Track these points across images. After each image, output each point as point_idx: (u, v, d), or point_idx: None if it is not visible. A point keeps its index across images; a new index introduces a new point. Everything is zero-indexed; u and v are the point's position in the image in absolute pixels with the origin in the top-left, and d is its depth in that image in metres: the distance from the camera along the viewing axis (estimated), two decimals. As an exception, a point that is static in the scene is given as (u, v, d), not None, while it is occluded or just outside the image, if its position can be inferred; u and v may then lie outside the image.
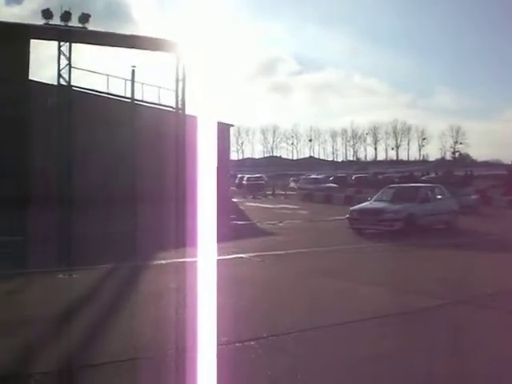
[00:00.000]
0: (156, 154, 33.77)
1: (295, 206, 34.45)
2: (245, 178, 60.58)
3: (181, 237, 14.41)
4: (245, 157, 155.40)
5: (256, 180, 59.70)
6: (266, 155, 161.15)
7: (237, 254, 14.85)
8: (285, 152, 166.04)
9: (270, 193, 52.26)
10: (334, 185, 52.17)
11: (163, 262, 13.33)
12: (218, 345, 6.64)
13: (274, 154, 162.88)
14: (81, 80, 36.83)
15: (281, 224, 23.75)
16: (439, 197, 22.22)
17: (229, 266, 12.63)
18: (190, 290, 9.44)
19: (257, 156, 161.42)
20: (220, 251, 15.23)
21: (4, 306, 9.09)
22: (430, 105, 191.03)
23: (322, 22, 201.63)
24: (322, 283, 11.01)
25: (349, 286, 10.71)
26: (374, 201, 21.76)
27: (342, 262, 13.97)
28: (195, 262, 11.84)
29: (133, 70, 42.13)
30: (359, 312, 8.51)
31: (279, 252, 15.24)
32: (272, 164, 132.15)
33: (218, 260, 13.21)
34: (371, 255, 15.48)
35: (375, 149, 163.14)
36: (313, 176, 63.94)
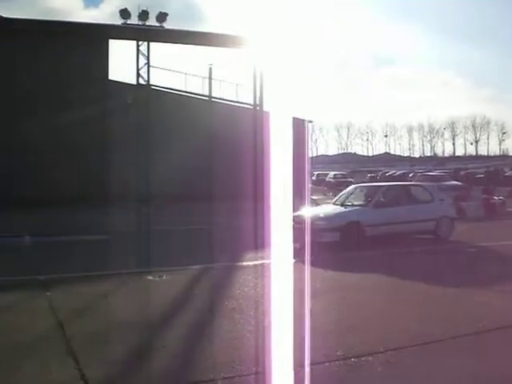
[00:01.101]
0: (234, 152, 33.42)
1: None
2: (331, 176, 58.53)
3: (263, 237, 13.79)
4: (318, 154, 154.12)
5: (343, 177, 57.35)
6: (340, 152, 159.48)
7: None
8: (359, 148, 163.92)
9: (327, 189, 50.71)
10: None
11: (252, 262, 12.79)
12: (332, 360, 6.08)
13: (349, 151, 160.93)
14: (159, 78, 36.99)
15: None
16: (421, 199, 17.48)
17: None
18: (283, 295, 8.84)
19: (330, 153, 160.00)
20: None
21: (97, 310, 8.75)
22: (511, 99, 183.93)
23: (397, 16, 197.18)
24: (425, 288, 10.18)
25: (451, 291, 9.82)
26: (330, 204, 18.20)
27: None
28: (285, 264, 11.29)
29: (210, 68, 42.21)
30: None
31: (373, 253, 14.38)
32: (346, 161, 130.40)
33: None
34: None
35: (453, 144, 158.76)
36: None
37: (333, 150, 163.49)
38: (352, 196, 17.74)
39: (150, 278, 11.14)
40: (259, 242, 13.65)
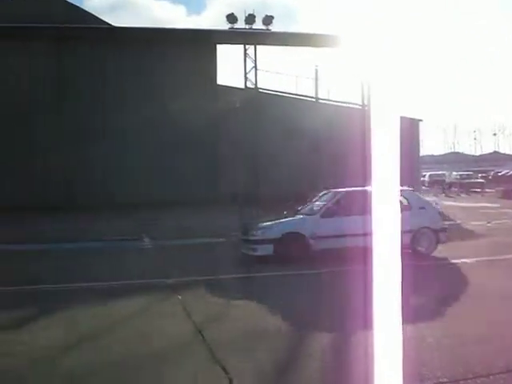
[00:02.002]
0: (342, 152, 32.86)
1: (496, 205, 31.63)
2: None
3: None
4: (424, 154, 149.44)
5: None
6: (446, 151, 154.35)
7: (457, 258, 13.37)
8: (467, 147, 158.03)
9: (457, 190, 48.70)
10: None
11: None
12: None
13: (456, 150, 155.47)
14: (266, 81, 37.15)
15: (489, 224, 21.55)
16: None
17: (461, 273, 11.34)
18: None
19: (436, 153, 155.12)
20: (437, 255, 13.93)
21: (232, 316, 8.56)
22: None
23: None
24: None
25: None
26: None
27: None
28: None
29: (316, 69, 41.90)
30: None
31: (507, 256, 13.47)
32: (453, 160, 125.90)
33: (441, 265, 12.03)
34: None
35: None
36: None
37: (438, 150, 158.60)
38: (317, 203, 15.06)
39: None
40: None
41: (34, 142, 31.59)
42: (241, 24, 36.56)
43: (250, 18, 36.35)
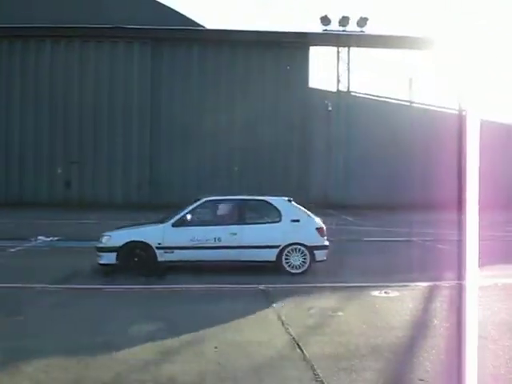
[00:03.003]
0: (435, 158, 31.81)
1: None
2: None
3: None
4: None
5: None
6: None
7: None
8: None
9: None
10: None
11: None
12: None
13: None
14: (360, 84, 36.51)
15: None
16: (259, 219, 12.87)
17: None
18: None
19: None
20: None
21: (332, 328, 8.09)
22: None
23: None
24: None
25: None
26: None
27: None
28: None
29: (410, 73, 40.87)
30: None
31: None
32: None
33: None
34: None
35: None
36: None
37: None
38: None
39: (375, 293, 10.34)
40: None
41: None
42: (334, 26, 36.05)
43: (344, 20, 35.79)
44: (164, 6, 33.52)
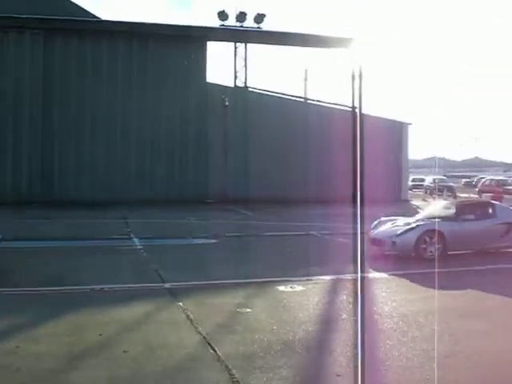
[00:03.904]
0: (329, 154, 32.57)
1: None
2: (429, 180, 55.63)
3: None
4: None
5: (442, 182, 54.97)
6: (428, 156, 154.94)
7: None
8: (448, 153, 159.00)
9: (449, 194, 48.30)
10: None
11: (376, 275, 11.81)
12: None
13: (437, 155, 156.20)
14: (257, 79, 36.76)
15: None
16: None
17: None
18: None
19: (419, 157, 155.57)
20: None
21: (240, 325, 8.01)
22: None
23: None
24: None
25: None
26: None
27: None
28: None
29: (305, 70, 41.67)
30: None
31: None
32: (434, 165, 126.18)
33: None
34: None
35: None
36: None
37: (421, 155, 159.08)
38: None
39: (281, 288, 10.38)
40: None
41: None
42: (232, 21, 36.09)
43: (242, 16, 35.89)
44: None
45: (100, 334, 7.35)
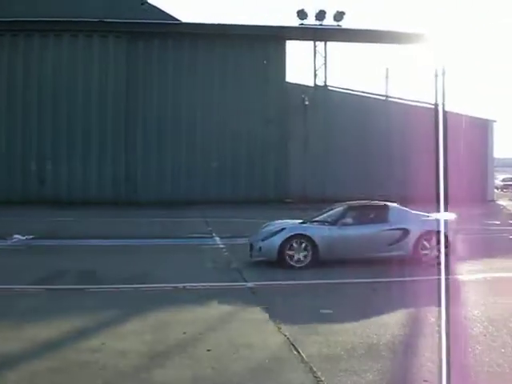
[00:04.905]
0: (411, 153, 31.85)
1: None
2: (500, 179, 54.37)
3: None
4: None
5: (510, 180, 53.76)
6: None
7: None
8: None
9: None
10: None
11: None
12: None
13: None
14: (337, 78, 36.45)
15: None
16: None
17: None
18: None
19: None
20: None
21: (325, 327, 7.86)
22: None
23: None
24: None
25: None
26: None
27: None
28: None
29: (386, 68, 40.94)
30: None
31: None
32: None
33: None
34: None
35: None
36: None
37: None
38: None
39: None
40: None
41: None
42: (311, 20, 35.82)
43: (321, 14, 35.57)
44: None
45: (184, 333, 7.37)
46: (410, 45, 35.23)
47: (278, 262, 12.09)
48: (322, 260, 12.13)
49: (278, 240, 12.12)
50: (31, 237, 17.16)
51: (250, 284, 10.47)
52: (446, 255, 11.92)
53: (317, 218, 13.25)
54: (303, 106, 33.26)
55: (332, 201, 28.61)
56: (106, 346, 6.91)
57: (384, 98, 37.37)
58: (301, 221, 13.28)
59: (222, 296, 9.63)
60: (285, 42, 34.32)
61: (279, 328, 7.55)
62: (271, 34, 33.64)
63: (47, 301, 9.46)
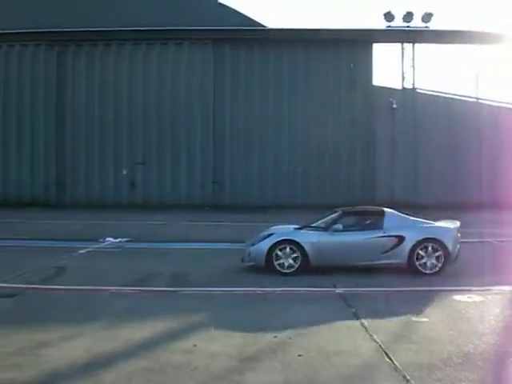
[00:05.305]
0: (504, 156, 30.81)
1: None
2: None
3: None
4: None
5: None
6: None
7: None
8: None
9: None
10: None
11: None
12: None
13: None
14: (425, 81, 35.68)
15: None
16: None
17: None
18: None
19: None
20: None
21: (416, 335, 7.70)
22: None
23: None
24: None
25: None
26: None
27: None
28: None
29: (477, 70, 39.63)
30: None
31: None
32: None
33: None
34: None
35: None
36: None
37: None
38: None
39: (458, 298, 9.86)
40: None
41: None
42: (398, 22, 35.25)
43: (408, 16, 34.95)
44: (225, 6, 33.46)
45: (275, 336, 7.40)
46: (501, 45, 34.03)
47: (266, 267, 11.98)
48: (313, 266, 11.91)
49: (265, 245, 12.01)
50: (124, 240, 17.68)
51: (339, 290, 10.38)
52: (444, 265, 11.82)
53: (313, 224, 12.89)
54: (391, 110, 32.80)
55: (421, 206, 28.26)
56: (197, 347, 7.04)
57: (474, 99, 36.22)
58: (297, 226, 12.87)
59: (311, 301, 9.63)
60: (372, 45, 33.95)
61: (371, 335, 7.46)
62: (358, 38, 33.37)
63: (141, 302, 9.74)
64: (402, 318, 8.45)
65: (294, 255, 11.89)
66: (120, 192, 32.76)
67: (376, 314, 8.71)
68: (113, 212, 27.76)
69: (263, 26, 34.08)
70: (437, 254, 11.80)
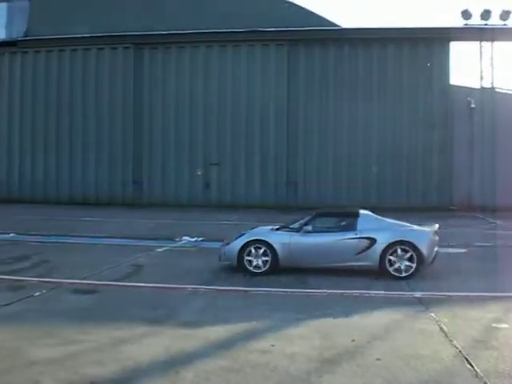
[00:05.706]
0: None
1: None
2: None
3: None
4: None
5: None
6: None
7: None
8: None
9: None
10: None
11: None
12: None
13: None
14: (504, 80, 34.60)
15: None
16: None
17: None
18: None
19: None
20: None
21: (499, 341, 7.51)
22: None
23: None
24: None
25: None
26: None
27: None
28: None
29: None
30: None
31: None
32: None
33: None
34: None
35: None
36: None
37: None
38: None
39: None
40: None
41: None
42: (476, 20, 34.35)
43: (486, 14, 34.00)
44: (298, 6, 33.40)
45: (352, 340, 7.38)
46: None
47: (238, 267, 12.11)
48: (282, 267, 11.95)
49: (237, 245, 12.15)
50: (200, 239, 17.96)
51: (417, 294, 10.23)
52: (416, 268, 11.54)
53: (291, 225, 12.74)
54: (469, 109, 31.99)
55: (502, 209, 27.40)
56: (275, 348, 7.09)
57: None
58: (277, 226, 12.84)
59: (388, 305, 9.52)
60: (449, 44, 33.17)
61: (451, 340, 7.33)
62: (434, 36, 32.69)
63: (217, 301, 9.88)
64: (482, 323, 8.28)
65: (265, 256, 12.00)
66: (194, 192, 33.30)
67: (456, 318, 8.58)
68: (188, 211, 28.26)
69: (337, 26, 33.87)
70: (407, 255, 11.57)
